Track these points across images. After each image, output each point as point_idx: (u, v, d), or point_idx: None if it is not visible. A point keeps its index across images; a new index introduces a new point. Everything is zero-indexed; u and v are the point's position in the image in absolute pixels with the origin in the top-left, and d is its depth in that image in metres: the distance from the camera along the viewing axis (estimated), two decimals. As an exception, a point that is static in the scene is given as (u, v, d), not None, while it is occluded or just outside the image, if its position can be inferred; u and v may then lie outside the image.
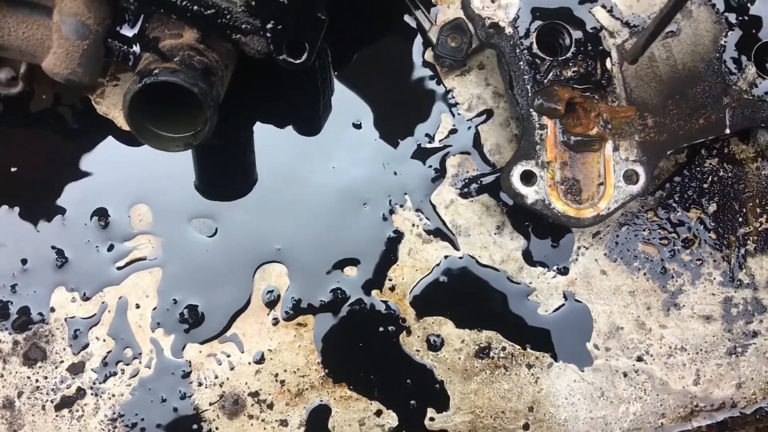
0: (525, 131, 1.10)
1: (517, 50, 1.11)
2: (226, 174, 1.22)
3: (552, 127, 1.10)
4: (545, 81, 1.10)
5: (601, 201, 1.09)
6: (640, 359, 1.17)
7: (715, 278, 1.20)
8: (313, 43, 1.03)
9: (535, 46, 1.11)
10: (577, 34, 1.11)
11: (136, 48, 1.04)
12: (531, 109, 1.10)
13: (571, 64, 1.11)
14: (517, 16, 1.11)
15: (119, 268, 1.16)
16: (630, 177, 1.10)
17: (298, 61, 1.03)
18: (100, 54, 1.04)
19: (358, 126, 1.21)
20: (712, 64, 1.11)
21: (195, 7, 0.98)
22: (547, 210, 1.09)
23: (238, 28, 1.00)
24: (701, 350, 1.18)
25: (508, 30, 1.11)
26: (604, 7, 1.12)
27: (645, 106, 1.11)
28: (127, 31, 1.04)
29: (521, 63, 1.10)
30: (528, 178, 1.09)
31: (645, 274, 1.19)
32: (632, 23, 1.12)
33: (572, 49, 1.11)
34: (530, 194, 1.09)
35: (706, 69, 1.11)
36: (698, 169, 1.22)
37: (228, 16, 0.99)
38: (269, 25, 1.00)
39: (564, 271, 1.19)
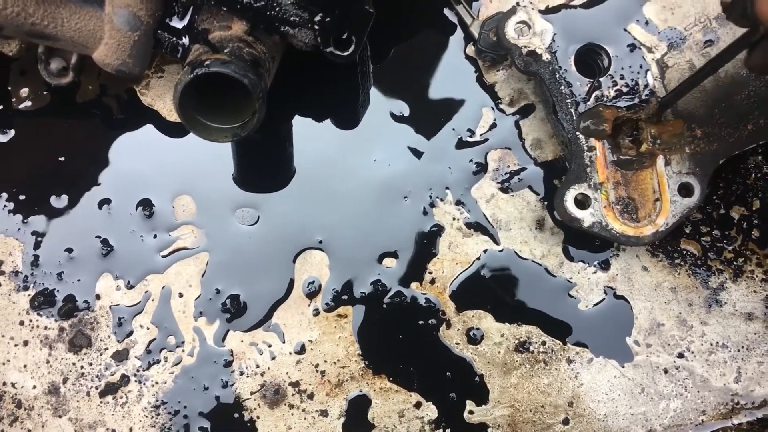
0: (574, 154, 1.10)
1: (557, 75, 1.10)
2: (266, 166, 1.23)
3: (600, 148, 1.10)
4: (588, 103, 1.10)
5: (659, 217, 1.08)
6: (681, 356, 1.17)
7: (757, 276, 1.19)
8: (359, 36, 1.04)
9: (574, 69, 1.11)
10: (615, 53, 1.11)
11: (185, 40, 1.05)
12: (577, 132, 1.09)
13: (612, 84, 1.11)
14: (553, 41, 1.11)
15: (163, 257, 1.17)
16: (685, 190, 1.09)
17: (344, 54, 1.04)
18: (150, 45, 1.05)
19: (399, 119, 1.21)
20: None
21: (245, 0, 0.99)
22: (605, 231, 1.08)
23: (287, 20, 1.01)
24: (743, 348, 1.17)
25: (546, 56, 1.11)
26: (638, 23, 1.12)
27: (692, 117, 1.10)
28: (177, 23, 1.05)
29: (562, 87, 1.10)
30: (582, 201, 1.09)
31: (687, 270, 1.19)
32: (669, 37, 1.12)
33: (611, 68, 1.11)
34: (586, 218, 1.08)
35: (749, 74, 1.10)
36: (742, 166, 1.21)
37: (277, 9, 1.00)
38: (317, 18, 1.01)
39: (605, 267, 1.18)
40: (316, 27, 1.01)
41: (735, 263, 1.19)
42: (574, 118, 1.10)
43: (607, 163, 1.10)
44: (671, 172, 1.09)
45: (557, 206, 1.10)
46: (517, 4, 1.17)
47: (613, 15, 1.12)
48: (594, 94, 1.10)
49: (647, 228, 1.08)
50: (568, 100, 1.10)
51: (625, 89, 1.11)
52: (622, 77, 1.11)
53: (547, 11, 1.11)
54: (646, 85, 1.10)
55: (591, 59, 1.13)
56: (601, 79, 1.11)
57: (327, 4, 0.99)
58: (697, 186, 1.08)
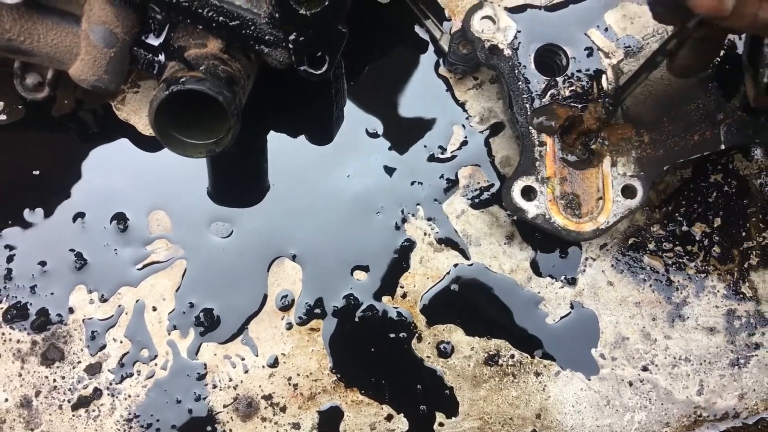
0: (525, 148, 1.13)
1: (516, 71, 1.14)
2: (240, 181, 1.24)
3: (551, 144, 1.14)
4: (543, 100, 1.14)
5: (600, 215, 1.12)
6: (645, 369, 1.20)
7: (719, 291, 1.23)
8: (333, 55, 1.06)
9: (533, 66, 1.14)
10: (573, 55, 1.15)
11: (161, 57, 1.07)
12: (530, 127, 1.13)
13: (568, 84, 1.15)
14: (515, 38, 1.15)
15: (138, 270, 1.18)
16: (628, 191, 1.13)
17: (318, 72, 1.06)
18: (126, 62, 1.07)
19: (372, 135, 1.24)
20: (705, 82, 1.15)
21: (221, 18, 1.01)
22: (548, 224, 1.11)
23: (262, 39, 1.03)
24: (705, 361, 1.21)
25: (507, 52, 1.15)
26: (599, 28, 1.16)
27: (641, 123, 1.15)
28: (153, 41, 1.06)
29: (520, 83, 1.14)
30: (528, 193, 1.12)
31: (651, 285, 1.22)
32: (626, 44, 1.16)
33: (569, 69, 1.15)
34: (531, 209, 1.12)
35: (699, 87, 1.15)
36: (703, 184, 1.25)
37: (252, 28, 1.02)
38: (291, 37, 1.03)
39: (572, 282, 1.21)
40: (291, 46, 1.03)
41: (697, 279, 1.22)
42: (528, 113, 1.13)
43: (556, 158, 1.13)
44: (616, 173, 1.13)
45: (504, 196, 1.13)
46: None
47: (575, 19, 1.17)
48: (550, 92, 1.14)
49: (588, 224, 1.12)
50: (525, 96, 1.14)
51: (579, 90, 1.15)
52: (578, 78, 1.15)
53: (513, 9, 1.15)
54: (600, 89, 1.14)
55: (550, 58, 1.18)
56: (558, 79, 1.14)
57: (301, 25, 1.01)
58: (640, 189, 1.12)
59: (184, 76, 0.97)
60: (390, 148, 1.24)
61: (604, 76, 1.15)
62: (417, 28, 1.28)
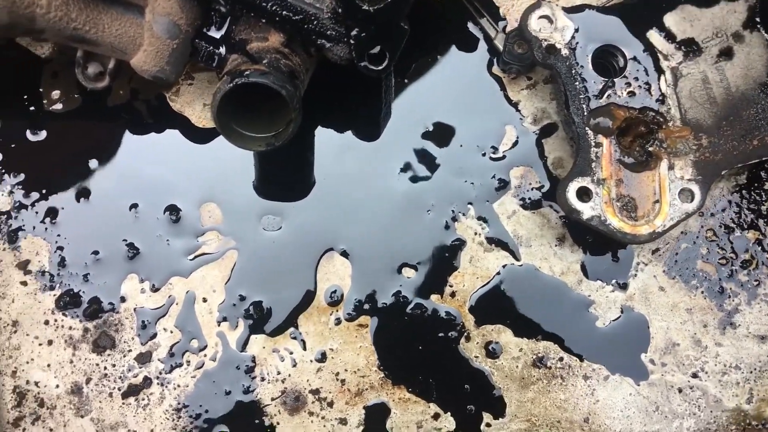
0: (581, 149, 1.12)
1: (573, 71, 1.13)
2: (289, 175, 1.24)
3: (608, 145, 1.12)
4: (600, 101, 1.13)
5: (656, 218, 1.11)
6: (695, 376, 1.19)
7: (771, 299, 1.21)
8: (393, 52, 1.06)
9: (590, 66, 1.13)
10: (632, 56, 1.14)
11: (221, 49, 1.07)
12: (587, 128, 1.12)
13: (626, 85, 1.14)
14: (573, 38, 1.14)
15: (189, 262, 1.19)
16: (685, 195, 1.12)
17: (378, 69, 1.06)
18: (187, 53, 1.07)
19: (424, 133, 1.24)
20: (765, 87, 1.13)
21: (284, 12, 1.01)
22: (603, 226, 1.10)
23: (324, 34, 1.03)
24: (755, 369, 1.20)
25: (564, 51, 1.14)
26: (658, 30, 1.15)
27: (699, 126, 1.13)
28: (214, 33, 1.07)
29: (577, 83, 1.13)
30: (584, 194, 1.11)
31: (702, 292, 1.21)
32: (686, 47, 1.15)
33: (627, 70, 1.14)
34: (586, 210, 1.11)
35: (760, 92, 1.13)
36: (757, 191, 1.24)
37: (315, 22, 1.02)
38: (353, 33, 1.03)
39: (623, 286, 1.20)
40: (352, 42, 1.03)
41: (749, 287, 1.21)
42: (585, 113, 1.12)
43: (612, 160, 1.12)
44: (674, 177, 1.12)
45: (559, 197, 1.12)
46: None
47: (634, 20, 1.15)
48: (607, 93, 1.13)
49: (644, 227, 1.10)
50: (582, 96, 1.13)
51: (637, 91, 1.13)
52: (636, 79, 1.14)
53: (570, 9, 1.14)
54: (659, 91, 1.13)
55: (607, 59, 1.17)
56: (615, 80, 1.13)
57: (364, 21, 1.01)
58: (698, 193, 1.11)
59: (248, 69, 0.98)
60: (442, 147, 1.24)
61: (662, 78, 1.14)
62: (470, 26, 1.27)
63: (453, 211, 1.22)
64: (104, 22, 1.03)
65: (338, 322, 1.19)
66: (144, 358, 1.17)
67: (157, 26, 1.03)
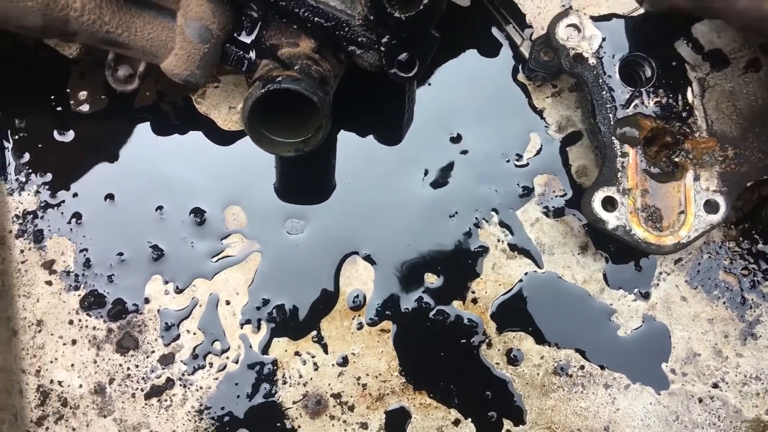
0: (607, 158, 1.13)
1: (600, 80, 1.14)
2: (312, 179, 1.25)
3: (633, 155, 1.13)
4: (627, 110, 1.13)
5: (681, 229, 1.11)
6: (715, 386, 1.19)
7: (792, 311, 1.22)
8: (423, 59, 1.06)
9: (617, 76, 1.14)
10: (659, 66, 1.14)
11: (251, 54, 1.08)
12: (613, 137, 1.12)
13: (652, 95, 1.14)
14: (601, 47, 1.14)
15: (212, 264, 1.19)
16: (710, 206, 1.12)
17: (407, 76, 1.06)
18: (217, 58, 1.08)
19: (450, 140, 1.24)
20: None
21: (316, 19, 1.02)
22: (628, 236, 1.11)
23: (355, 40, 1.04)
24: (776, 381, 1.20)
25: (592, 60, 1.14)
26: (685, 41, 1.15)
27: (725, 138, 1.14)
28: (245, 38, 1.07)
29: (604, 92, 1.13)
30: (609, 203, 1.12)
31: (724, 302, 1.21)
32: (713, 58, 1.15)
33: (654, 80, 1.14)
34: (611, 220, 1.11)
35: None
36: (780, 202, 1.24)
37: (346, 29, 1.03)
38: (384, 40, 1.03)
39: (645, 296, 1.21)
40: (383, 48, 1.03)
41: (771, 298, 1.22)
42: (612, 123, 1.13)
43: (638, 170, 1.13)
44: (699, 188, 1.12)
45: (584, 205, 1.12)
46: (570, 7, 1.20)
47: (662, 30, 1.16)
48: (634, 103, 1.14)
49: (669, 238, 1.11)
50: (608, 105, 1.13)
51: (664, 102, 1.14)
52: (663, 90, 1.14)
53: (598, 18, 1.14)
54: (686, 101, 1.13)
55: (634, 69, 1.17)
56: (642, 90, 1.14)
57: (395, 28, 1.01)
58: (723, 204, 1.11)
59: (280, 75, 0.98)
60: (466, 153, 1.24)
61: (689, 89, 1.14)
62: (496, 33, 1.27)
63: (476, 218, 1.22)
64: (136, 25, 1.03)
65: (360, 326, 1.19)
66: (167, 360, 1.17)
67: (189, 30, 1.03)
